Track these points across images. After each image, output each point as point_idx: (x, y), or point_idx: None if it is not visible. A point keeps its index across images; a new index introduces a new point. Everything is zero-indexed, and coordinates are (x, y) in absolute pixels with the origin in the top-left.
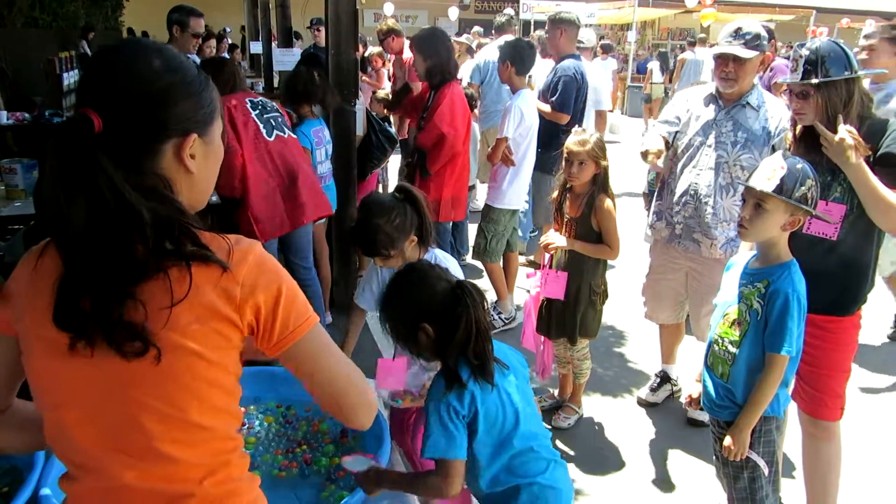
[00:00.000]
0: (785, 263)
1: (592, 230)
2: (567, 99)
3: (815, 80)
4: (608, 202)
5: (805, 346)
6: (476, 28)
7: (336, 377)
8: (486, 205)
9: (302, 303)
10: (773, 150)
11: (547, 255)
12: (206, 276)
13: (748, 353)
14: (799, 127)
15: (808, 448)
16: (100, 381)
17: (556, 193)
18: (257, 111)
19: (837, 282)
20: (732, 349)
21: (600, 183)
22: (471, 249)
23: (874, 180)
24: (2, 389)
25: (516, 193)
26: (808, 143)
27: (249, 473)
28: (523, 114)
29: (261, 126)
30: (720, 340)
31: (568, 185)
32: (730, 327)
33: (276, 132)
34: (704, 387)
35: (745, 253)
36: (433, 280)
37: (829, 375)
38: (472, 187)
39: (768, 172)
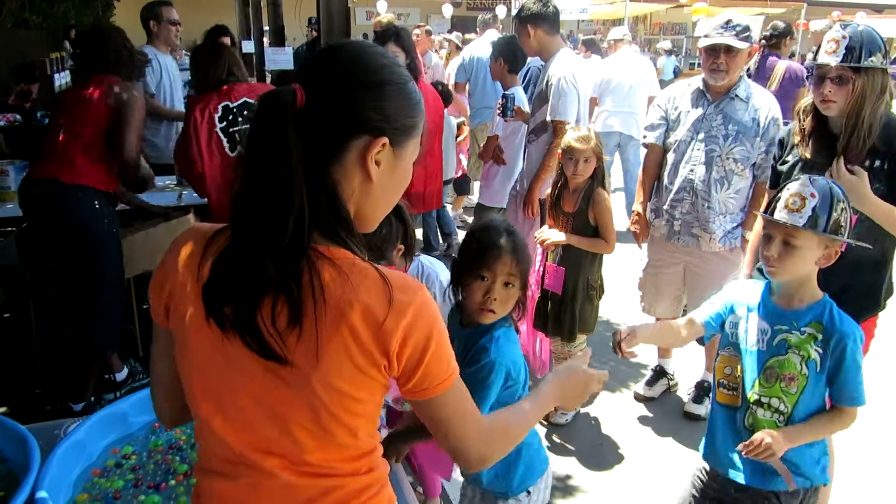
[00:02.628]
0: (824, 300)
1: (588, 225)
2: (533, 90)
3: (855, 64)
4: (605, 196)
5: None
6: (456, 34)
7: (460, 437)
8: (478, 203)
9: (447, 358)
10: (780, 144)
11: (539, 251)
12: (360, 313)
13: (806, 408)
14: (809, 120)
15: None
16: (253, 391)
17: (550, 190)
18: (224, 123)
19: (845, 285)
20: (785, 408)
21: (599, 177)
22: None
23: (888, 208)
24: (176, 383)
25: (498, 190)
26: (821, 140)
27: (384, 469)
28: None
29: (224, 140)
30: (765, 402)
31: (561, 182)
32: (779, 384)
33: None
34: (728, 453)
35: (744, 288)
36: None
37: None
38: (468, 181)
39: (796, 202)
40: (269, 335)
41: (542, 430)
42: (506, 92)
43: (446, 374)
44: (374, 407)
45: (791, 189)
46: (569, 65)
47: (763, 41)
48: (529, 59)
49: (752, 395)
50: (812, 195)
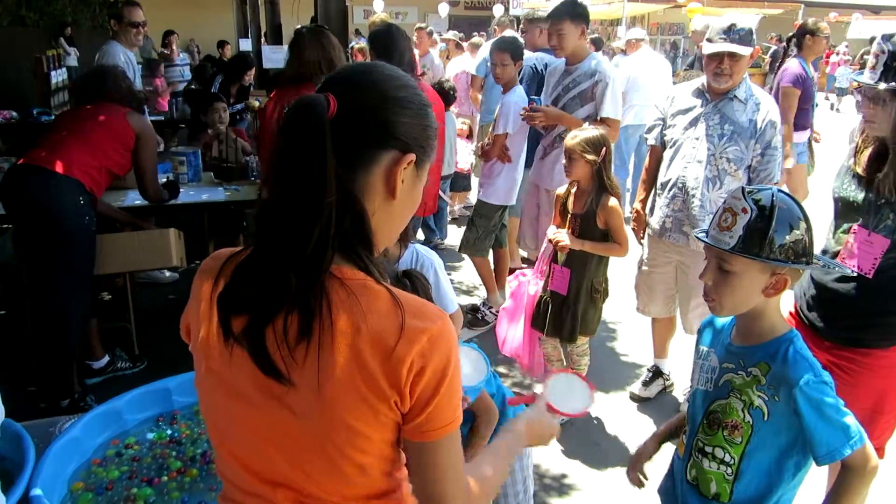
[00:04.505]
0: (784, 337)
1: (596, 227)
2: (527, 91)
3: (883, 86)
4: (614, 201)
5: (834, 381)
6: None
7: (444, 493)
8: (479, 200)
9: (456, 399)
10: (769, 146)
11: (546, 250)
12: (368, 339)
13: (758, 464)
14: (865, 135)
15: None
16: (259, 421)
17: (561, 190)
18: None
19: (870, 311)
20: (731, 459)
21: (601, 179)
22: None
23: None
24: None
25: (510, 189)
26: (879, 159)
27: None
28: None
29: None
30: (707, 451)
31: (572, 182)
32: (721, 432)
33: None
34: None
35: (716, 319)
36: None
37: (862, 419)
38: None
39: (726, 219)
40: (274, 350)
41: None
42: (533, 96)
43: (452, 416)
44: (384, 446)
45: (725, 202)
46: (610, 65)
47: (793, 41)
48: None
49: (696, 441)
50: (744, 210)
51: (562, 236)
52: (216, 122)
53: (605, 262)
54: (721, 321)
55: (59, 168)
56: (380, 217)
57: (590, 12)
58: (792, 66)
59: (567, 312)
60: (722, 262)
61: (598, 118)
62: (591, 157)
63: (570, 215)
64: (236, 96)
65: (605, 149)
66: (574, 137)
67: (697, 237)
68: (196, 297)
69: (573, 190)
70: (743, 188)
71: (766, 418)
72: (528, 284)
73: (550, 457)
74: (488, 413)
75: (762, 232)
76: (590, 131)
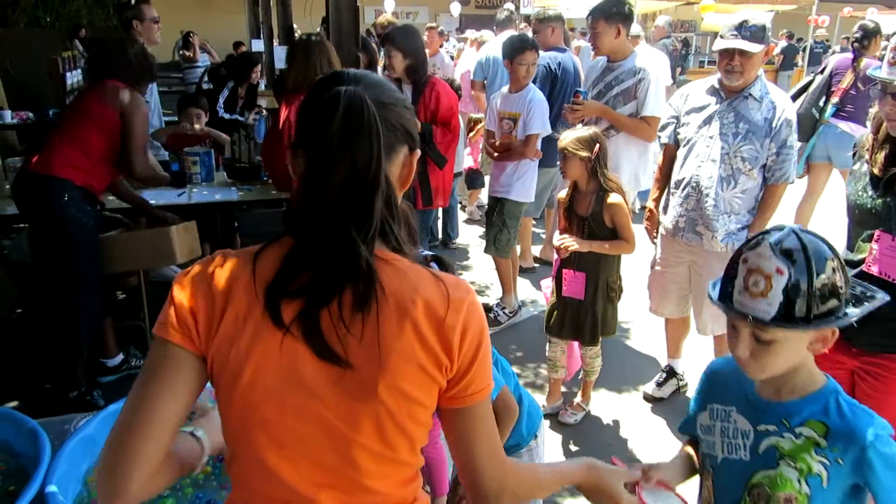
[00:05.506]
0: (828, 387)
1: (605, 226)
2: (541, 90)
3: None
4: (617, 197)
5: (862, 385)
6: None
7: (483, 455)
8: (500, 199)
9: (490, 363)
10: (784, 145)
11: (555, 255)
12: (423, 310)
13: None
14: (880, 132)
15: None
16: (316, 411)
17: (563, 193)
18: None
19: None
20: None
21: (598, 177)
22: (485, 242)
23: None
24: (173, 428)
25: (530, 186)
26: (891, 157)
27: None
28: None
29: None
30: None
31: (573, 185)
32: None
33: None
34: None
35: (720, 372)
36: None
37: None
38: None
39: (758, 282)
40: (331, 332)
41: (550, 432)
42: (579, 89)
43: (488, 379)
44: (431, 415)
45: (749, 261)
46: (654, 64)
47: (855, 43)
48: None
49: None
50: (779, 271)
51: (567, 241)
52: (189, 125)
53: (617, 260)
54: (727, 368)
55: (43, 169)
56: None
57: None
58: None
59: (586, 316)
60: (760, 333)
61: (640, 116)
62: (584, 153)
63: (577, 218)
64: (245, 97)
65: (598, 146)
66: (566, 137)
67: (724, 307)
68: (209, 296)
69: (572, 193)
70: (770, 239)
71: (824, 485)
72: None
73: (563, 456)
74: (508, 410)
75: (805, 293)
76: (582, 130)
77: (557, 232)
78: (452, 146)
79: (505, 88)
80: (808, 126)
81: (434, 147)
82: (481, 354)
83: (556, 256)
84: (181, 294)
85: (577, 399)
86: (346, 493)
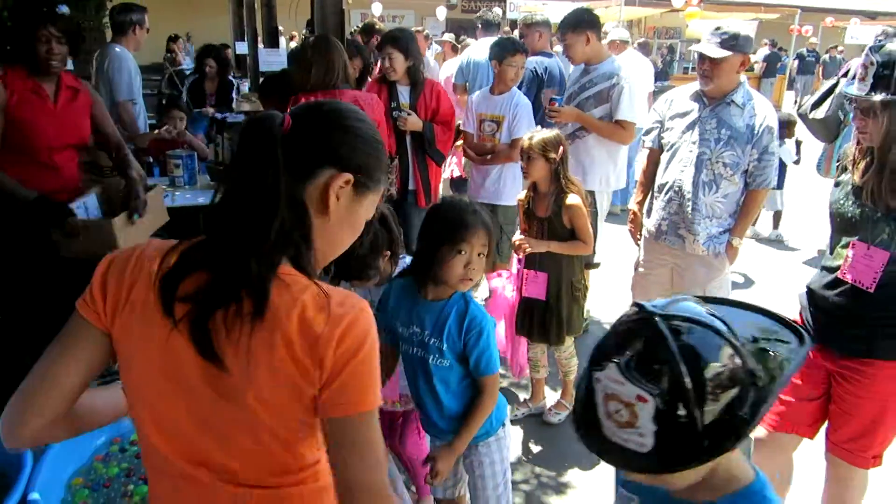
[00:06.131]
0: (752, 487)
1: (564, 227)
2: (527, 94)
3: (878, 98)
4: (576, 198)
5: (837, 389)
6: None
7: (362, 469)
8: (491, 205)
9: (371, 382)
10: (765, 151)
11: (516, 257)
12: (297, 325)
13: None
14: (861, 147)
15: (828, 483)
16: (189, 403)
17: (523, 194)
18: None
19: (872, 323)
20: None
21: (561, 180)
22: None
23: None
24: (72, 391)
25: (519, 186)
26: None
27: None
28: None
29: None
30: None
31: (533, 187)
32: None
33: None
34: None
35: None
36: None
37: (863, 429)
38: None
39: (622, 415)
40: (214, 335)
41: (536, 432)
42: (555, 96)
43: (367, 396)
44: (312, 421)
45: (602, 383)
46: (627, 68)
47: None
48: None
49: None
50: (640, 398)
51: (524, 241)
52: (171, 129)
53: (579, 260)
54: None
55: None
56: (317, 232)
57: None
58: None
59: (552, 317)
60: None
61: (614, 120)
62: (551, 155)
63: (536, 220)
64: (217, 95)
65: (562, 148)
66: (531, 138)
67: (587, 442)
68: (135, 272)
69: (532, 195)
70: (621, 364)
71: None
72: (503, 289)
73: (546, 456)
74: (492, 397)
75: (687, 416)
76: (546, 132)
77: (518, 233)
78: (449, 145)
79: (485, 90)
80: (835, 127)
81: (434, 146)
82: (356, 363)
83: (517, 257)
84: (100, 273)
85: (560, 398)
86: (219, 473)
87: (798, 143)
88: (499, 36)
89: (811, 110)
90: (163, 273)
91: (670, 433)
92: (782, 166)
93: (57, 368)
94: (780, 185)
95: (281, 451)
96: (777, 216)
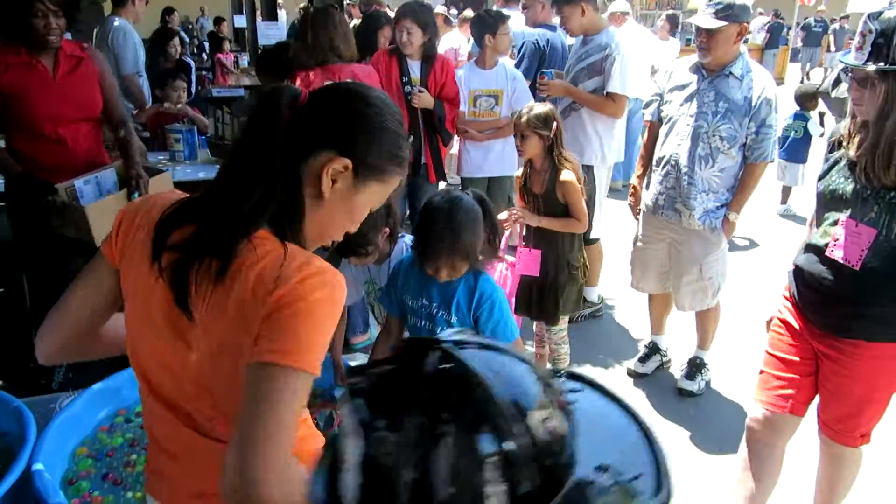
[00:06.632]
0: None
1: (559, 204)
2: (529, 66)
3: (872, 67)
4: (570, 175)
5: (823, 368)
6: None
7: (251, 432)
8: (503, 178)
9: (305, 340)
10: (763, 124)
11: (518, 232)
12: (254, 285)
13: None
14: (856, 120)
15: (822, 461)
16: (161, 350)
17: (520, 171)
18: None
19: (857, 302)
20: None
21: (556, 156)
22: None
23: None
24: (83, 315)
25: (485, 163)
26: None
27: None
28: None
29: None
30: None
31: (528, 163)
32: None
33: None
34: None
35: None
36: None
37: (850, 409)
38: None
39: None
40: (190, 286)
41: None
42: (544, 70)
43: (295, 352)
44: None
45: None
46: (625, 40)
47: None
48: (523, 33)
49: None
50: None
51: (518, 214)
52: (174, 101)
53: (577, 238)
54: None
55: None
56: (310, 211)
57: None
58: None
59: (549, 294)
60: None
61: (605, 93)
62: (543, 132)
63: (532, 196)
64: (176, 66)
65: (556, 124)
66: (523, 115)
67: None
68: (132, 222)
69: (528, 171)
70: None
71: None
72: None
73: None
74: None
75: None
76: (539, 107)
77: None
78: (455, 124)
79: (471, 63)
80: None
81: (445, 124)
82: (290, 313)
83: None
84: (121, 214)
85: None
86: (184, 419)
87: (822, 115)
88: (521, 3)
89: (832, 88)
90: (159, 221)
91: None
92: (808, 140)
93: (71, 295)
94: (803, 160)
95: (233, 406)
96: (786, 191)
